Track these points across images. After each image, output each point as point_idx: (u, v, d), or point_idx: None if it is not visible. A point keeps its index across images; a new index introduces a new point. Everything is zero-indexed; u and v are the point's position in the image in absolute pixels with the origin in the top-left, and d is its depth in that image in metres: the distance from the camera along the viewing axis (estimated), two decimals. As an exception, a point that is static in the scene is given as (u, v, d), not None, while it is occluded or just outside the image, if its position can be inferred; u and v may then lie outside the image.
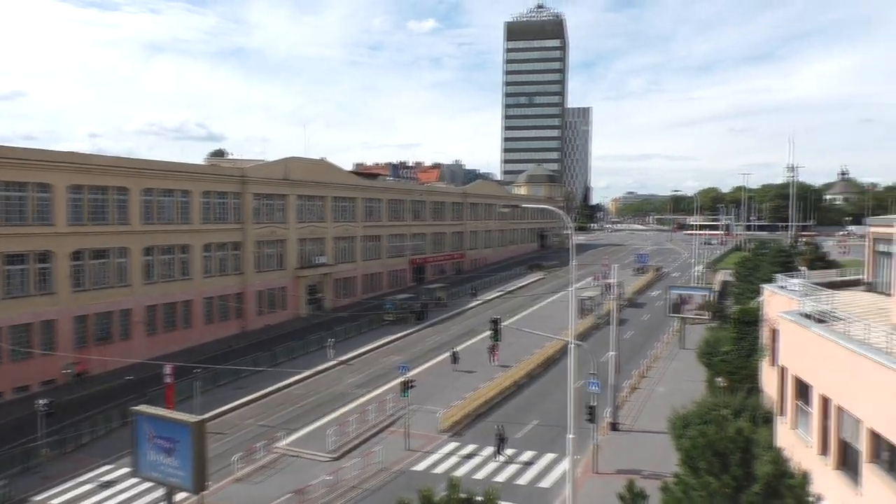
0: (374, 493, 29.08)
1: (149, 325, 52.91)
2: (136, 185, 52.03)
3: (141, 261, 52.57)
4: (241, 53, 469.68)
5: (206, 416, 33.05)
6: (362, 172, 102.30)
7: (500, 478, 30.01)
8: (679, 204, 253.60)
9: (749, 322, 36.51)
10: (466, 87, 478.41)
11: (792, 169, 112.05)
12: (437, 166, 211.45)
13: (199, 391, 38.56)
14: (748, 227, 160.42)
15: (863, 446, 17.83)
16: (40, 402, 33.35)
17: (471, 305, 74.64)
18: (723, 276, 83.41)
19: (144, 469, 24.19)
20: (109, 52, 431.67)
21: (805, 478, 13.67)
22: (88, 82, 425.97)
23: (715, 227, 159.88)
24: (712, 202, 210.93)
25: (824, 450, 20.49)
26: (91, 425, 36.34)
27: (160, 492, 25.35)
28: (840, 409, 19.35)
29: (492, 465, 31.55)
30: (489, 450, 33.09)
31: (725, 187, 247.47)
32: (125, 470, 30.24)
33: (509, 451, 32.71)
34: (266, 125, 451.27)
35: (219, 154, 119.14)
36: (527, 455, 32.62)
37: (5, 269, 43.43)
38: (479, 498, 14.26)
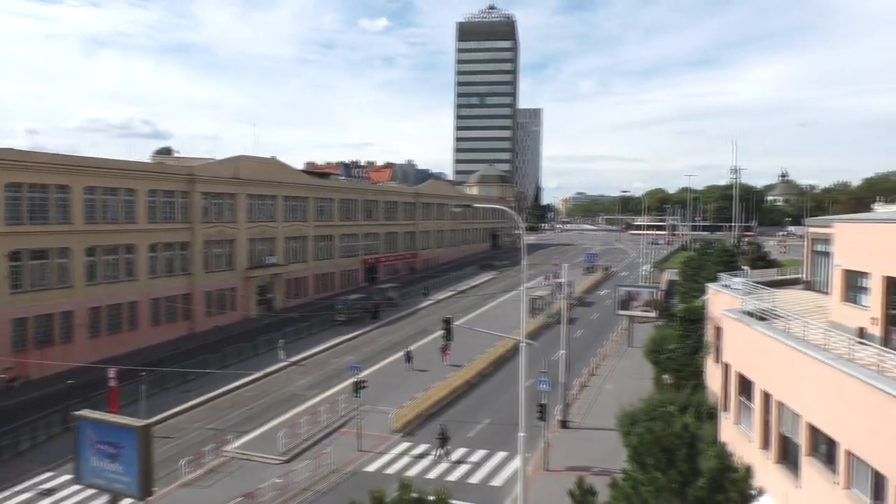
0: (325, 494, 28.86)
1: (92, 327, 51.34)
2: (79, 183, 50.44)
3: (84, 261, 50.98)
4: (188, 49, 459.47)
5: (153, 420, 32.33)
6: (314, 172, 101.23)
7: (453, 477, 30.12)
8: (627, 204, 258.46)
9: (694, 320, 37.49)
10: (419, 87, 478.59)
11: (735, 171, 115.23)
12: (389, 166, 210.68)
13: (144, 395, 37.62)
14: (694, 228, 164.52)
15: (802, 440, 18.51)
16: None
17: (423, 305, 74.65)
18: (669, 275, 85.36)
19: (87, 475, 23.47)
20: (50, 46, 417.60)
21: (748, 472, 14.10)
22: (28, 77, 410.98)
23: (661, 228, 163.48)
24: (659, 203, 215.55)
25: (766, 444, 21.19)
26: (31, 431, 35.13)
27: (104, 498, 24.65)
28: (780, 405, 20.05)
29: (444, 465, 31.62)
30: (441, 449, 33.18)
31: (672, 188, 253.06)
32: (67, 477, 29.35)
33: (457, 453, 32.86)
34: (214, 123, 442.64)
35: (165, 152, 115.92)
36: (479, 454, 32.81)
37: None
38: (431, 497, 14.27)
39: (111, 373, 37.76)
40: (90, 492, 26.79)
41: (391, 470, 31.00)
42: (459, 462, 31.95)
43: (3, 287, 45.06)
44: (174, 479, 30.17)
